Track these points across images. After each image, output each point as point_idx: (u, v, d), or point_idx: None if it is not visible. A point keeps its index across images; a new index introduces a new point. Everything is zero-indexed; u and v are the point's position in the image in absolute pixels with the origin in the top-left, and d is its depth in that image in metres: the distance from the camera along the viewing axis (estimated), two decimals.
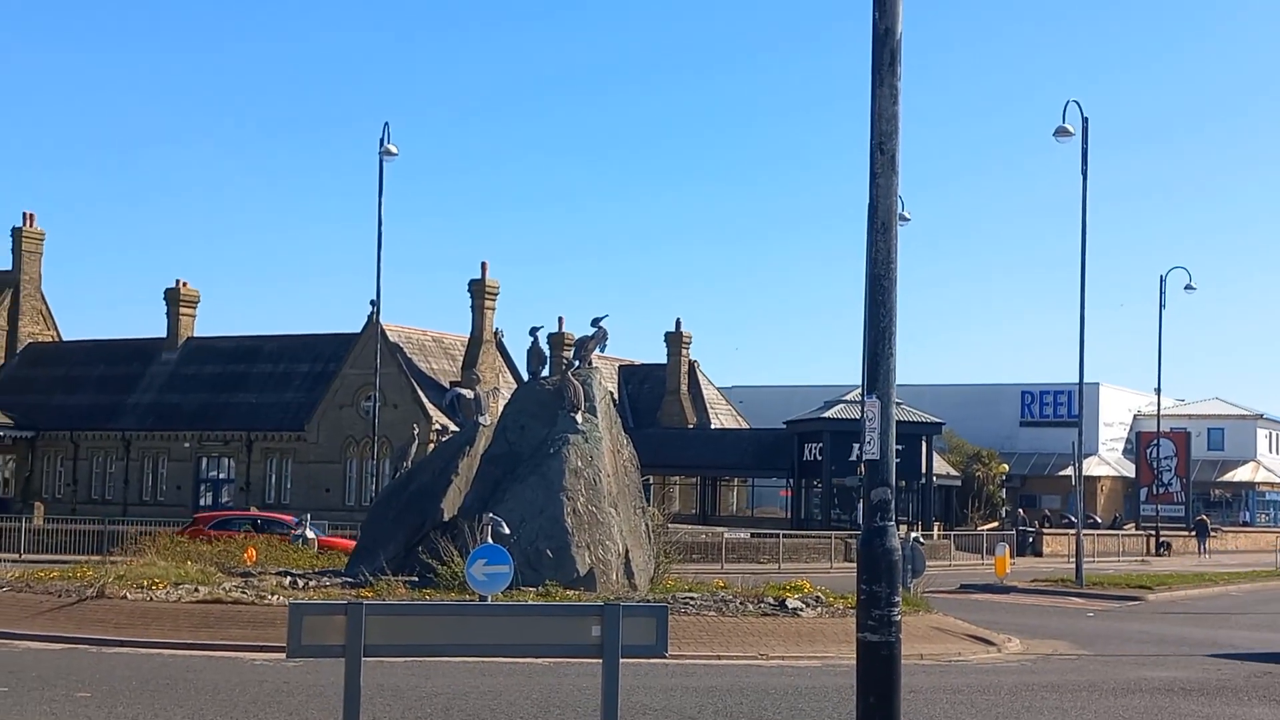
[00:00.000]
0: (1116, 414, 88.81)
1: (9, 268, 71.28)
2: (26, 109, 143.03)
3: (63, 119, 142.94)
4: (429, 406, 57.54)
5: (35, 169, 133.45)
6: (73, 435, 66.80)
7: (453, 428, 36.03)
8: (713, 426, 73.40)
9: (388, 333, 57.62)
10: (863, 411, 8.94)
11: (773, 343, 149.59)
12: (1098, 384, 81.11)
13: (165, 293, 68.35)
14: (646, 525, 26.09)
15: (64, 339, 73.11)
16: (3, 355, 70.72)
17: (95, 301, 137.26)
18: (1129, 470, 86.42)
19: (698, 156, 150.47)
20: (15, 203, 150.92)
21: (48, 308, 73.14)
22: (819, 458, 61.88)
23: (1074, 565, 40.03)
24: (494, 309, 64.04)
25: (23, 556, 38.59)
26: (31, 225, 71.62)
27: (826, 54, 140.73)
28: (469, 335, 63.93)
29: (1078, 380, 40.80)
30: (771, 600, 21.98)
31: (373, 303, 50.53)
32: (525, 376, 27.75)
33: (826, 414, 61.77)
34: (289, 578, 25.48)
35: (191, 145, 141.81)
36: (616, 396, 65.96)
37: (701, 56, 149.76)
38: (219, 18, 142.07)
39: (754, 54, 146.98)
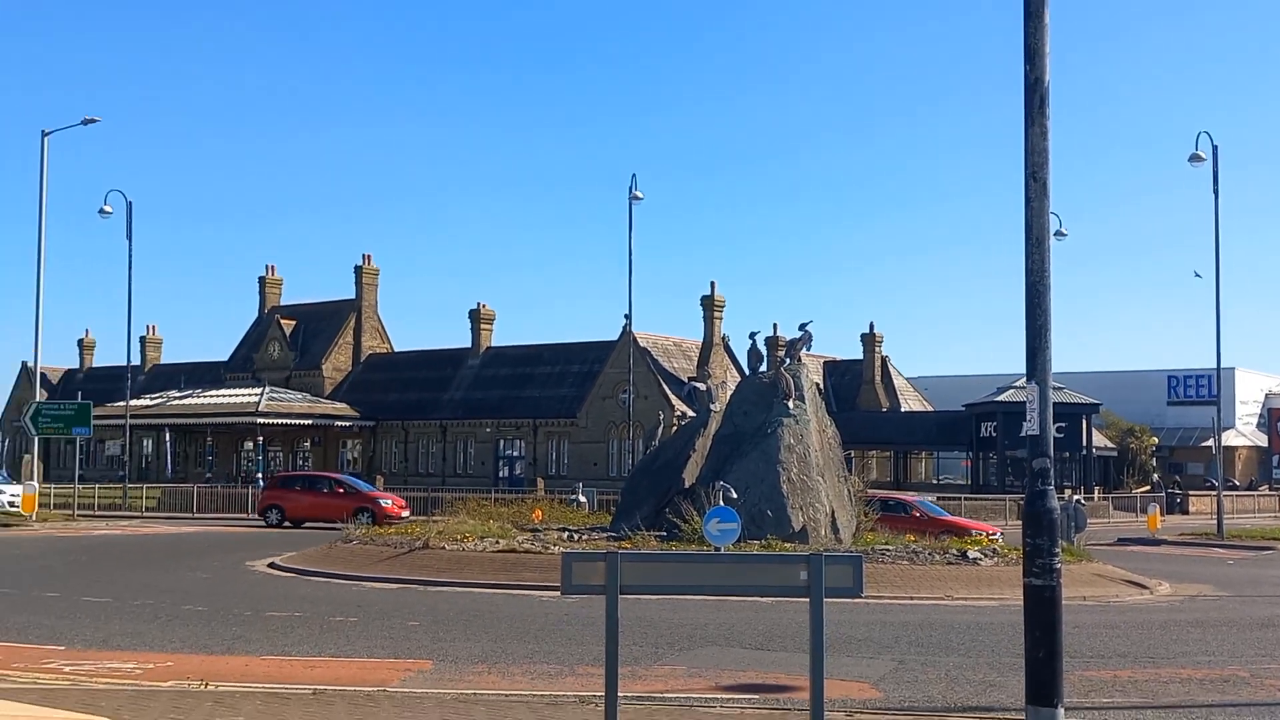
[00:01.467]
0: (1250, 393, 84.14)
1: (353, 296, 74.53)
2: (366, 173, 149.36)
3: (394, 181, 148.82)
4: (671, 397, 57.88)
5: (372, 217, 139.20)
6: (403, 424, 69.32)
7: (690, 414, 36.11)
8: (903, 409, 72.09)
9: (638, 339, 58.21)
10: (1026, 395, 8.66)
11: (953, 337, 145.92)
12: (1234, 368, 76.95)
13: (469, 312, 70.47)
14: (848, 490, 25.74)
15: (395, 350, 75.91)
16: (351, 364, 73.94)
17: (418, 320, 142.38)
18: (1262, 441, 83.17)
19: (886, 192, 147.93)
20: (357, 246, 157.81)
21: (382, 326, 76.10)
22: (994, 434, 60.21)
23: (1216, 521, 38.75)
24: (721, 318, 64.20)
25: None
26: (369, 263, 74.70)
27: (978, 95, 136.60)
28: (702, 340, 64.21)
29: (1215, 366, 39.94)
30: (955, 552, 21.42)
31: (626, 316, 51.35)
32: (747, 372, 27.59)
33: (999, 397, 60.07)
34: (567, 532, 25.96)
35: (488, 199, 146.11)
36: (821, 387, 65.22)
37: (889, 103, 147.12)
38: (510, 110, 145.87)
39: (919, 101, 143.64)
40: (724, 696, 10.27)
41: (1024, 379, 8.68)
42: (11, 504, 41.14)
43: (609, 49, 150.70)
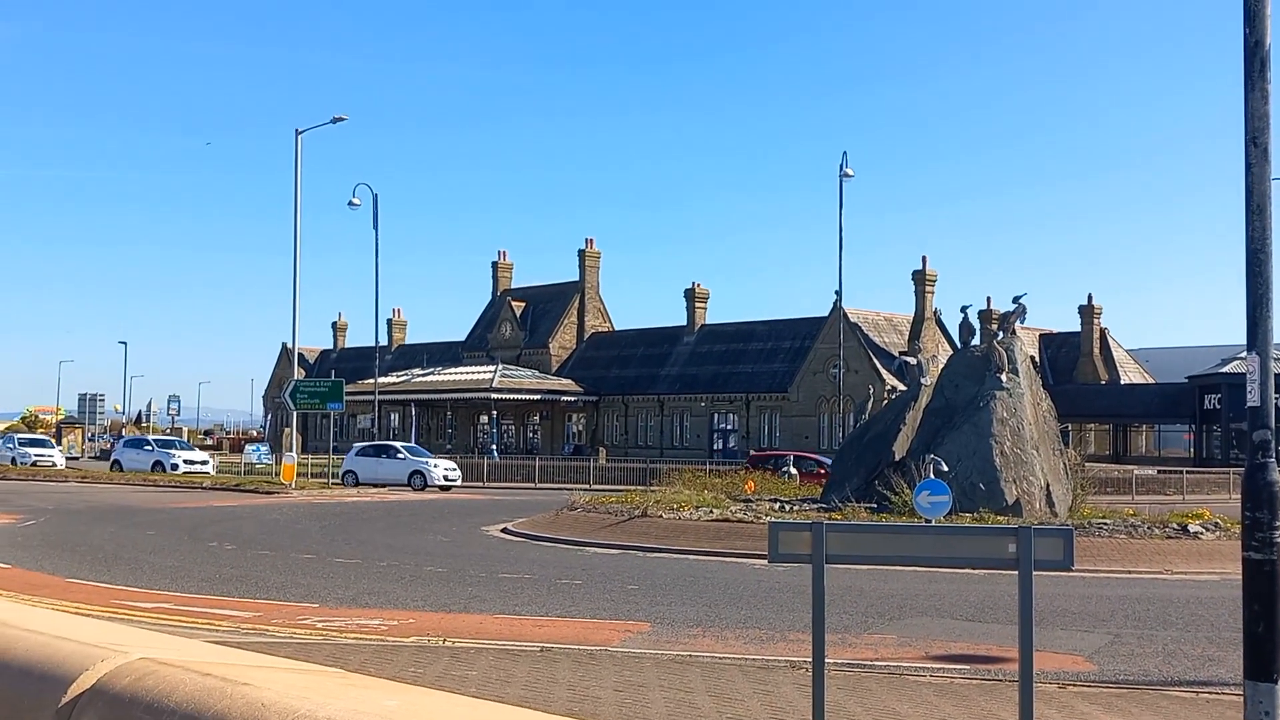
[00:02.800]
0: None
1: (577, 278, 76.15)
2: (589, 162, 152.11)
3: (619, 172, 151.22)
4: (881, 371, 56.89)
5: (595, 204, 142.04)
6: (624, 398, 70.50)
7: (900, 387, 35.40)
8: (1122, 382, 68.81)
9: (848, 315, 57.40)
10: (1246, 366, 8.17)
11: (1176, 308, 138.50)
12: None
13: (685, 291, 71.01)
14: (1064, 464, 24.76)
15: (616, 329, 77.23)
16: (575, 342, 75.63)
17: (637, 299, 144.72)
18: None
19: (1105, 162, 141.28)
20: (581, 230, 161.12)
21: (604, 306, 77.50)
22: (1218, 406, 56.96)
23: None
24: (933, 292, 62.71)
25: (591, 486, 41.06)
26: (591, 247, 76.19)
27: (1194, 56, 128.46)
28: (912, 314, 62.84)
29: None
30: (1175, 525, 20.34)
31: (837, 292, 50.57)
32: (959, 346, 26.87)
33: (1224, 369, 56.77)
34: (778, 503, 25.88)
35: (702, 183, 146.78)
36: (1036, 360, 62.91)
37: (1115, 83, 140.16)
38: (721, 94, 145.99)
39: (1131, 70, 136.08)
40: (933, 666, 10.09)
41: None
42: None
43: (818, 22, 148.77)
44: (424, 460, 43.88)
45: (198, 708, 1.83)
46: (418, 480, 42.19)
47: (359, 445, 47.84)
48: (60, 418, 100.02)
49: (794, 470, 37.74)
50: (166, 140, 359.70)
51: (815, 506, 24.85)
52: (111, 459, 52.33)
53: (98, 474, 48.69)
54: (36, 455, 54.25)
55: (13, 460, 53.23)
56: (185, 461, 48.38)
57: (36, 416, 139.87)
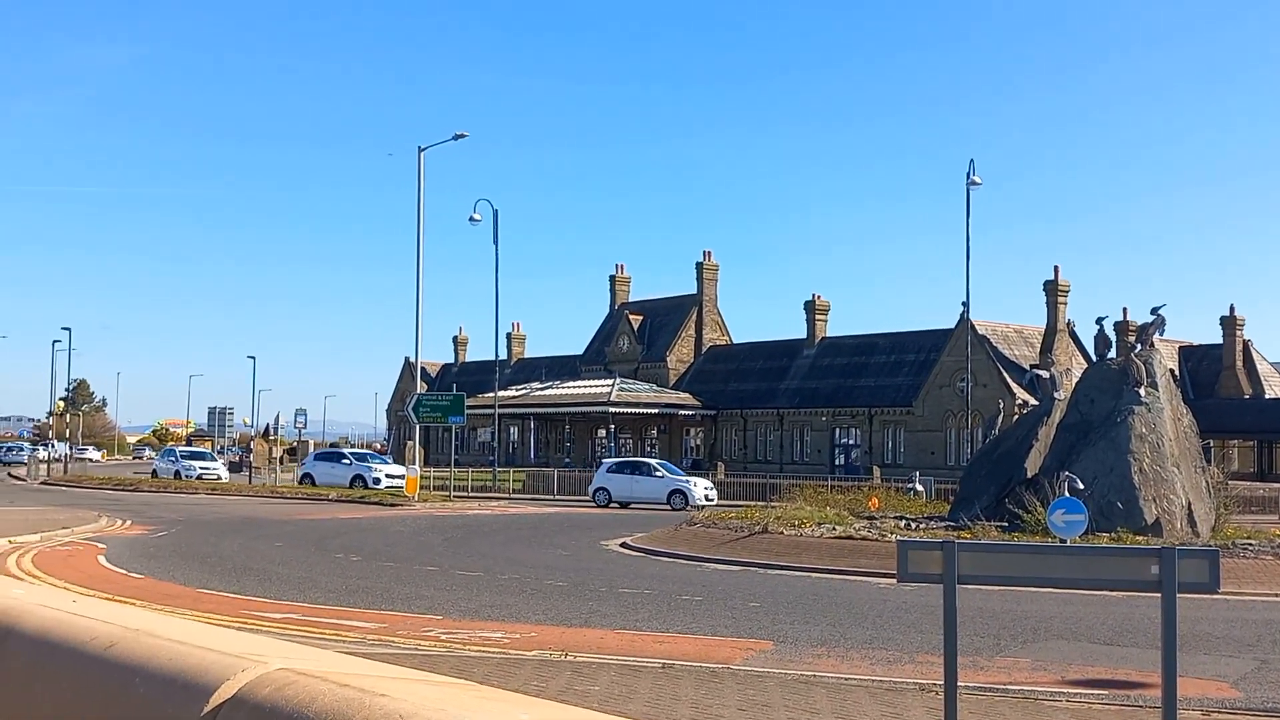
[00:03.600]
0: None
1: (694, 291, 76.25)
2: (705, 176, 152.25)
3: (738, 185, 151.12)
4: (1011, 385, 55.65)
5: (711, 217, 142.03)
6: (742, 412, 70.21)
7: (1032, 402, 34.59)
8: (1267, 396, 66.07)
9: (976, 327, 56.26)
10: None
11: None
12: None
13: (805, 303, 70.51)
14: (1206, 482, 23.87)
15: (734, 341, 77.02)
16: (692, 355, 75.68)
17: (755, 312, 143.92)
18: None
19: (1245, 162, 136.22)
20: (698, 243, 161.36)
21: (722, 319, 77.39)
22: None
23: None
24: (1065, 303, 61.13)
25: (717, 502, 40.87)
26: (709, 260, 76.28)
27: None
28: (1044, 326, 61.35)
29: None
30: None
31: (964, 303, 49.70)
32: (1094, 358, 26.12)
33: None
34: (903, 521, 25.46)
35: (822, 196, 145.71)
36: (1176, 374, 60.83)
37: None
38: (840, 105, 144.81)
39: None
40: (1070, 691, 9.79)
41: None
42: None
43: (942, 31, 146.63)
44: (683, 479, 41.85)
45: (337, 719, 1.86)
46: (678, 499, 39.66)
47: (610, 461, 46.31)
48: (190, 431, 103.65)
49: (919, 487, 37.12)
50: (295, 157, 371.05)
51: (943, 525, 24.39)
52: (301, 472, 50.55)
53: (226, 486, 50.27)
54: (201, 468, 53.95)
55: (176, 474, 52.92)
56: (387, 476, 46.55)
57: (167, 429, 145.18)
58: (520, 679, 9.26)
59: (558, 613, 14.10)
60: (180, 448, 63.74)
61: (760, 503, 34.59)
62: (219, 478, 53.15)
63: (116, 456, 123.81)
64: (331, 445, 69.83)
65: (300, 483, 48.89)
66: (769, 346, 73.09)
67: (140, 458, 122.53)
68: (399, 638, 11.81)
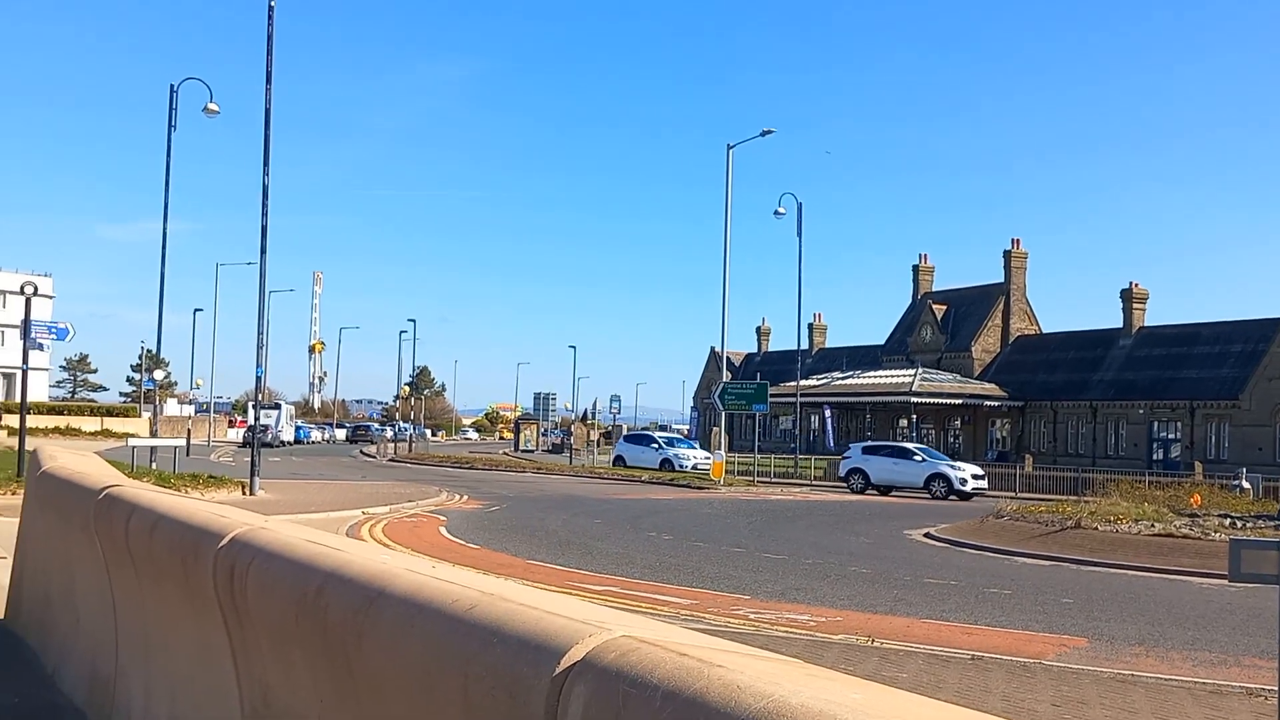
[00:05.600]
0: None
1: (1001, 280, 73.39)
2: (1012, 163, 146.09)
3: (1045, 169, 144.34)
4: None
5: (1019, 204, 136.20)
6: (1051, 404, 67.02)
7: None
8: None
9: None
10: None
11: None
12: None
13: (1121, 292, 66.47)
14: None
15: (1043, 331, 73.64)
16: (998, 345, 72.88)
17: (1065, 301, 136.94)
18: None
19: None
20: (1005, 231, 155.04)
21: (1030, 308, 74.12)
22: None
23: None
24: None
25: (1017, 495, 39.37)
26: (1018, 247, 73.21)
27: None
28: None
29: None
30: None
31: None
32: None
33: None
34: (1229, 519, 23.58)
35: (1141, 184, 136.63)
36: None
37: None
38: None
39: None
40: None
41: None
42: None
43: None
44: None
45: (678, 686, 1.92)
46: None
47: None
48: (518, 414, 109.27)
49: (1246, 484, 34.27)
50: (614, 152, 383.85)
51: (1273, 524, 22.42)
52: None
53: (549, 465, 52.66)
54: (696, 459, 48.23)
55: (663, 463, 47.98)
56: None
57: (498, 413, 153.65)
58: (827, 661, 9.23)
59: (863, 599, 13.96)
60: (657, 433, 57.07)
61: (1072, 497, 32.95)
62: (694, 467, 47.30)
63: (453, 437, 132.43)
64: (642, 429, 71.65)
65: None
66: (1081, 336, 69.35)
67: (467, 438, 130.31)
68: (710, 614, 12.02)
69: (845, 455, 43.23)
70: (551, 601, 2.51)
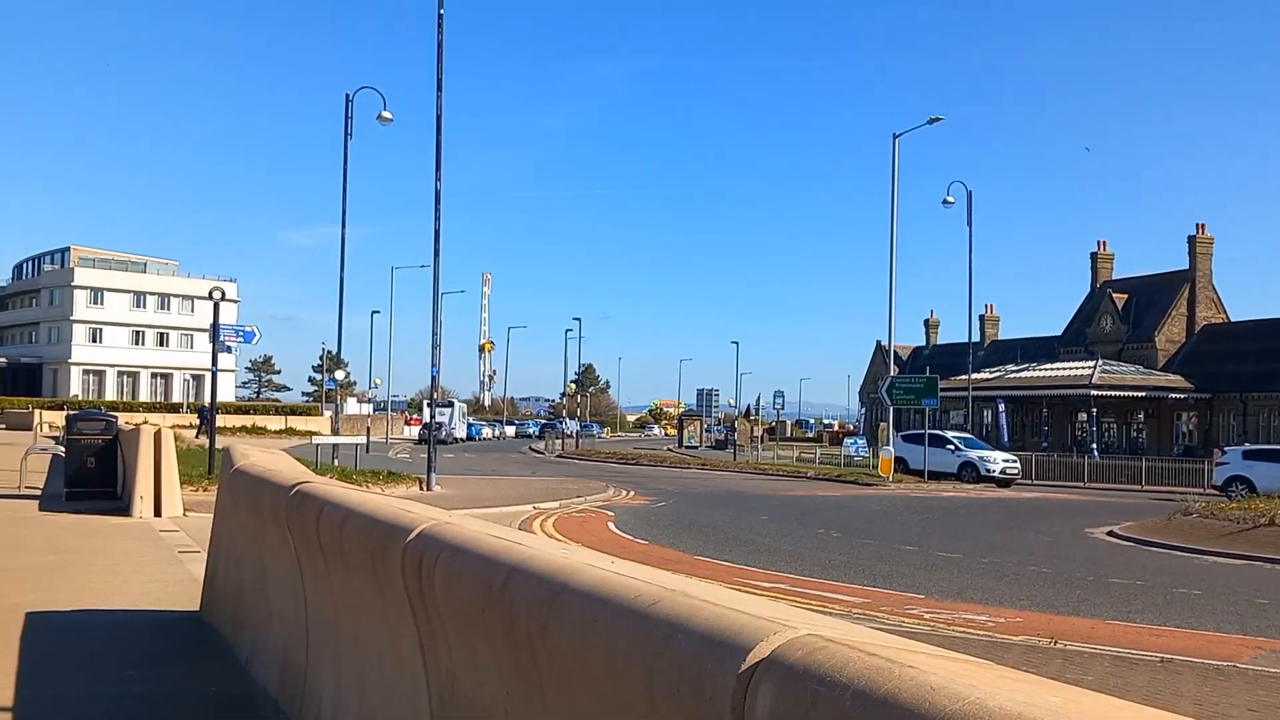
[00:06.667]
0: None
1: (1185, 267, 70.08)
2: (1194, 150, 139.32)
3: (1229, 156, 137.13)
4: None
5: (1201, 190, 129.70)
6: (1241, 396, 63.65)
7: None
8: None
9: None
10: None
11: None
12: None
13: None
14: None
15: (1231, 320, 70.00)
16: (1183, 335, 69.60)
17: (1255, 288, 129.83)
18: None
19: None
20: (1188, 217, 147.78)
21: (1217, 296, 70.54)
22: None
23: None
24: None
25: (1205, 491, 37.59)
26: (1203, 233, 69.72)
27: None
28: None
29: None
30: None
31: None
32: None
33: None
34: None
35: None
36: None
37: None
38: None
39: None
40: None
41: None
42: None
43: None
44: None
45: (868, 685, 1.90)
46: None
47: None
48: (681, 411, 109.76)
49: None
50: (775, 144, 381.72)
51: None
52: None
53: (714, 461, 52.71)
54: (1004, 462, 43.03)
55: (963, 467, 42.52)
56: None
57: (661, 409, 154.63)
58: (1008, 664, 8.96)
59: (1043, 599, 13.53)
60: (952, 433, 46.82)
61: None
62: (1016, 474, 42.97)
63: (618, 433, 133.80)
64: (768, 425, 70.99)
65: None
66: (1272, 324, 65.61)
67: (649, 434, 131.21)
68: (882, 613, 11.85)
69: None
70: (732, 598, 2.52)
